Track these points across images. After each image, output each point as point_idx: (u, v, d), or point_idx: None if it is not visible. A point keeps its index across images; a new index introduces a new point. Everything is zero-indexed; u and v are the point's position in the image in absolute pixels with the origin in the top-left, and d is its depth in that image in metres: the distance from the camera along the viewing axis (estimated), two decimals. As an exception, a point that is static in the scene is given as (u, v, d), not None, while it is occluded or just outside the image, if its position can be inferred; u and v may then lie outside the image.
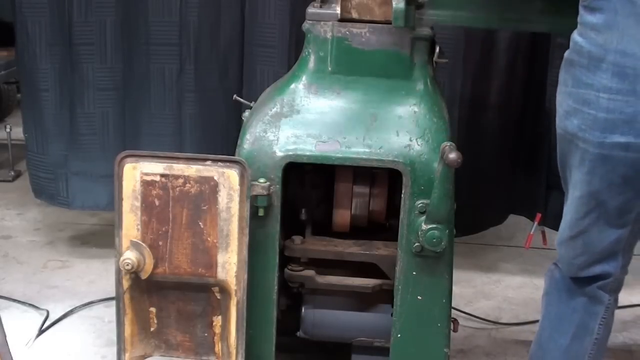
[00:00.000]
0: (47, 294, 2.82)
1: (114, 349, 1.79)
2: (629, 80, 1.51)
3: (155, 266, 1.71)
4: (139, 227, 1.70)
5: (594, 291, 1.77)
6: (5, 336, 1.93)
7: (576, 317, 1.79)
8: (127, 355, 1.78)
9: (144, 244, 1.70)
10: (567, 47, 3.05)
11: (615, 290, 1.79)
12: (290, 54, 2.75)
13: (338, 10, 1.83)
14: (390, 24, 1.78)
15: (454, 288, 1.85)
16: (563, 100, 1.64)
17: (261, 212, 1.76)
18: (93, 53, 2.86)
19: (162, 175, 1.68)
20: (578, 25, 1.59)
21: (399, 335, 1.84)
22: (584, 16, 1.57)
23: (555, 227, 2.96)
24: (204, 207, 1.69)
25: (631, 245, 1.74)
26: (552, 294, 1.84)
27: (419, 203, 1.76)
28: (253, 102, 2.00)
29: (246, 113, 1.98)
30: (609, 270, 1.74)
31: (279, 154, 1.78)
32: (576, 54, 1.59)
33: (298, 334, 1.94)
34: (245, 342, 1.75)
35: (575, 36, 1.59)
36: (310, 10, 1.85)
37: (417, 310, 1.82)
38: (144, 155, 1.70)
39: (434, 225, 1.74)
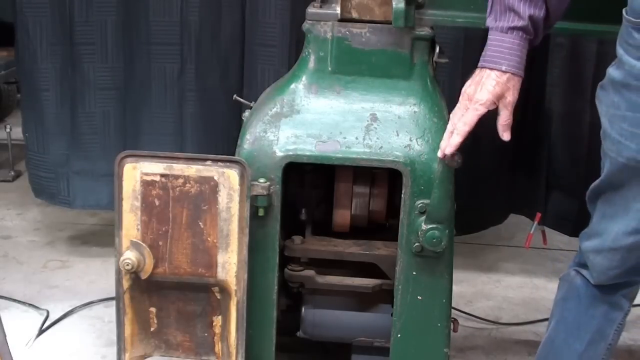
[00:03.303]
0: (47, 294, 2.82)
1: (114, 349, 1.79)
2: None
3: (155, 266, 1.71)
4: (139, 227, 1.70)
5: (617, 299, 1.75)
6: (5, 336, 1.93)
7: (594, 324, 1.77)
8: (127, 355, 1.78)
9: (144, 244, 1.70)
10: (567, 46, 3.01)
11: (634, 296, 1.79)
12: (290, 54, 2.75)
13: (338, 10, 1.83)
14: (390, 24, 1.78)
15: (454, 288, 1.85)
16: (615, 124, 1.57)
17: (261, 212, 1.76)
18: (94, 53, 2.86)
19: (162, 175, 1.68)
20: (632, 48, 1.51)
21: (399, 335, 1.84)
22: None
23: (555, 227, 2.98)
24: (204, 207, 1.69)
25: None
26: (571, 300, 1.81)
27: (419, 203, 1.76)
28: (253, 102, 2.00)
29: (246, 113, 1.98)
30: (638, 279, 1.73)
31: (279, 154, 1.78)
32: (633, 78, 1.51)
33: (298, 334, 1.94)
34: (245, 342, 1.75)
35: (632, 60, 1.51)
36: (310, 10, 1.85)
37: (417, 310, 1.82)
38: (144, 155, 1.70)
39: (434, 225, 1.74)
